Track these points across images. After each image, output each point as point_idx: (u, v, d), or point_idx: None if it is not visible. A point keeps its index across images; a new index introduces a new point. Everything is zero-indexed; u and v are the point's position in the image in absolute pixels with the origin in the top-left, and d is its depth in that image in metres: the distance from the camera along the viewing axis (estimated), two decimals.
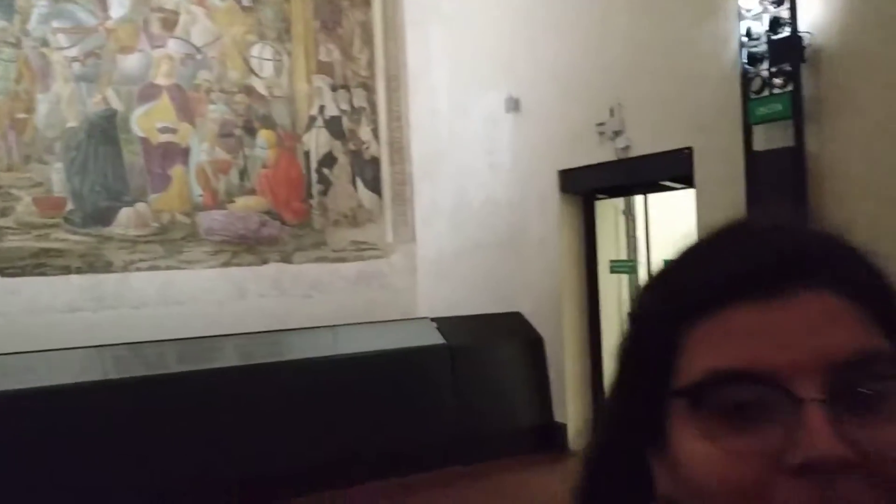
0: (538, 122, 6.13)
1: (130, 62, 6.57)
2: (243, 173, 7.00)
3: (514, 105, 6.31)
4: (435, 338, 5.65)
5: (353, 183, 7.52)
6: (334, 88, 7.45)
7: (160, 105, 6.67)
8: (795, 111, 4.14)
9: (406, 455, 5.16)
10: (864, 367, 0.46)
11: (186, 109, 6.79)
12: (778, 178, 4.23)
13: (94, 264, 6.33)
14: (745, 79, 4.38)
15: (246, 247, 6.95)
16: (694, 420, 0.48)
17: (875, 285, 0.50)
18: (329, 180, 7.38)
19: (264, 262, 7.02)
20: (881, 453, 0.44)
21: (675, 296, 0.52)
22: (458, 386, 5.52)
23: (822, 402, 0.44)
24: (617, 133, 5.40)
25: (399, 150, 7.70)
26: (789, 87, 4.16)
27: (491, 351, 5.86)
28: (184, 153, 6.75)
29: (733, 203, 4.30)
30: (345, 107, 7.50)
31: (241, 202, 6.97)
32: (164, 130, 6.67)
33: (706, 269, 0.52)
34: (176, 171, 6.71)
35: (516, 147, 6.39)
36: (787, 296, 0.47)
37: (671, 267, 0.55)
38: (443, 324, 5.79)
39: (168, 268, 6.61)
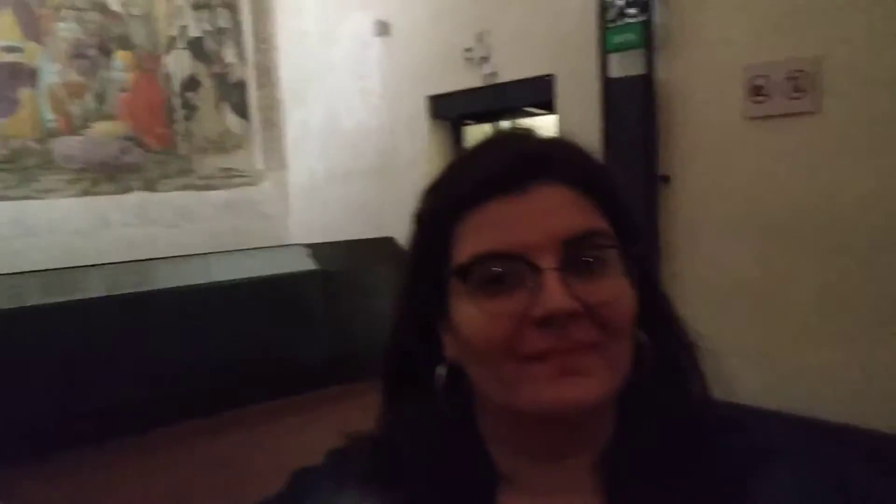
0: (407, 46, 6.14)
1: None
2: (100, 97, 6.62)
3: (383, 29, 6.27)
4: (308, 264, 5.68)
5: (219, 107, 7.30)
6: (196, 7, 7.10)
7: (3, 22, 6.16)
8: (647, 40, 4.38)
9: (283, 378, 5.25)
10: (588, 242, 0.60)
11: (33, 27, 6.31)
12: (631, 103, 4.49)
13: None
14: (603, 8, 4.57)
15: (106, 174, 6.65)
16: (464, 293, 0.62)
17: (598, 179, 0.64)
18: (193, 105, 7.12)
19: (127, 190, 6.75)
20: (599, 303, 0.59)
21: (445, 197, 0.66)
22: (333, 310, 5.62)
23: (557, 270, 0.58)
24: (484, 59, 5.51)
25: (266, 73, 7.50)
26: (642, 17, 4.39)
27: (364, 275, 5.96)
28: (32, 75, 6.30)
29: (590, 127, 4.55)
30: (208, 27, 7.20)
31: (100, 127, 6.62)
32: (8, 49, 6.19)
33: (466, 174, 0.65)
34: (24, 94, 6.27)
35: (385, 72, 6.39)
36: (530, 190, 0.61)
37: (442, 174, 0.68)
38: (316, 250, 5.82)
39: (23, 197, 6.25)
